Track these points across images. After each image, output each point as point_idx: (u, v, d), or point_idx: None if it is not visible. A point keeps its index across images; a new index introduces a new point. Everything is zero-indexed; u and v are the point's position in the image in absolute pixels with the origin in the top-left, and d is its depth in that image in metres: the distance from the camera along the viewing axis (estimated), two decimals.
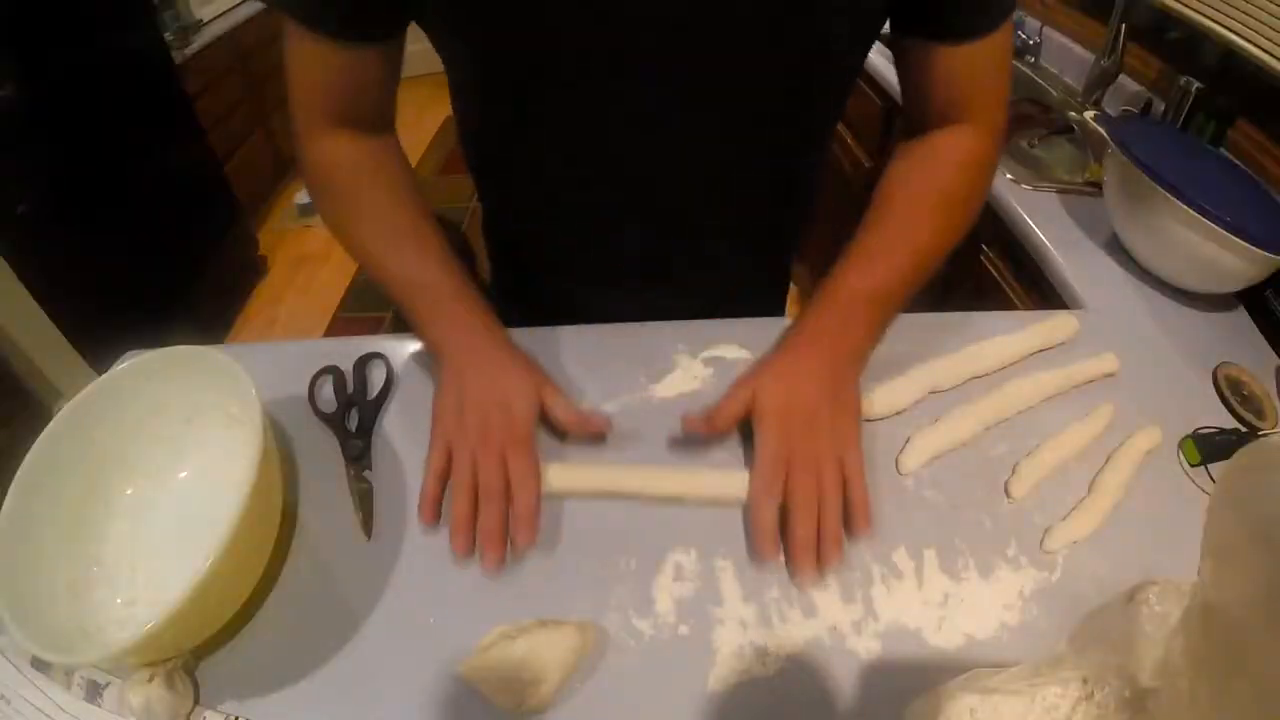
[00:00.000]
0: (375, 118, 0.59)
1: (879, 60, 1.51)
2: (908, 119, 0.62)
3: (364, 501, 0.53)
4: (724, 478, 0.53)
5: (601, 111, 0.56)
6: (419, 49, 0.59)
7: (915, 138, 0.61)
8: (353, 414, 0.60)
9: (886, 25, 0.57)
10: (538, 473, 0.51)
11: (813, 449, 0.50)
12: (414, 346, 0.67)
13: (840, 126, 1.79)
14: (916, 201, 0.59)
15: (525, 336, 0.66)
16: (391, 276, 0.58)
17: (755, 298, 0.82)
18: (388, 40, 0.54)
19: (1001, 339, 0.64)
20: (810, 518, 0.48)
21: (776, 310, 0.87)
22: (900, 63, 0.59)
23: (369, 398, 0.61)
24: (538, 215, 0.69)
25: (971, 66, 0.56)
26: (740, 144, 0.60)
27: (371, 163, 0.59)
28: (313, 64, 0.54)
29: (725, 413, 0.53)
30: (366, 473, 0.55)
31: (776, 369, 0.54)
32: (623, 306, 0.68)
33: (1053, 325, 0.66)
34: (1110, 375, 0.63)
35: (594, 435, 0.56)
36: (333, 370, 0.62)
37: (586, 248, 0.70)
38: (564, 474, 0.54)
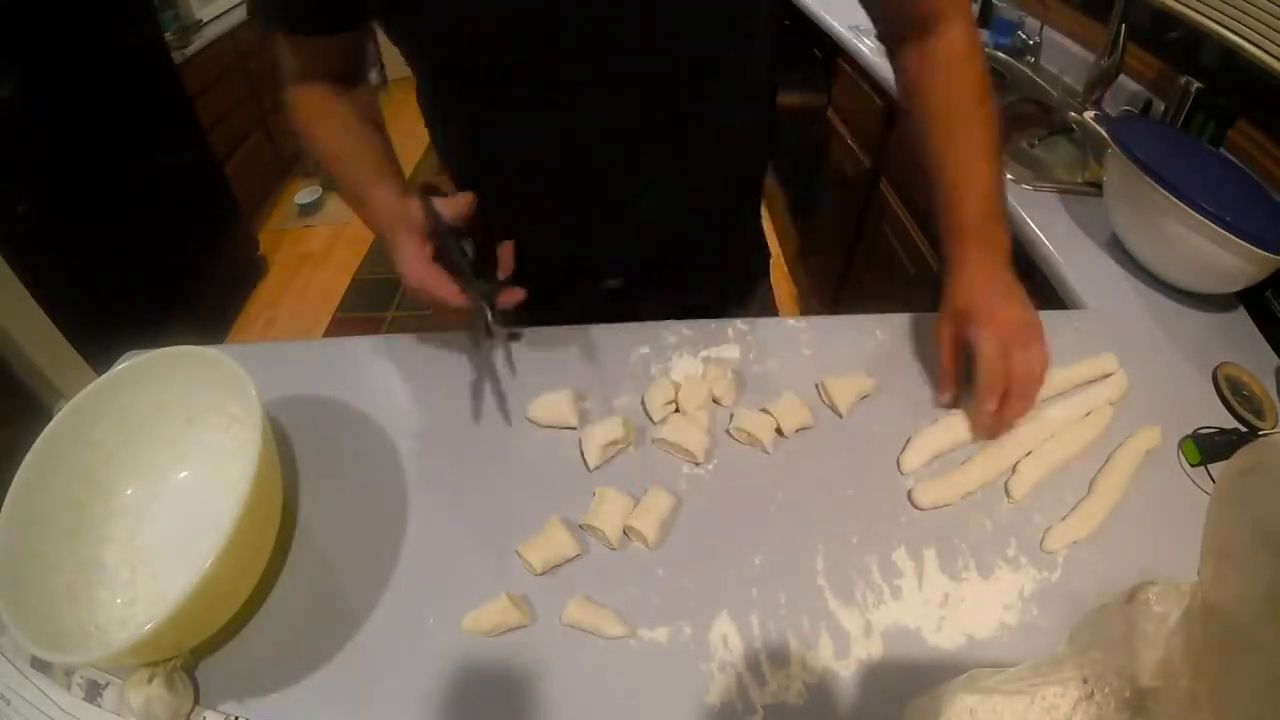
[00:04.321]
0: (335, 79, 0.68)
1: (880, 60, 1.51)
2: (880, 27, 0.68)
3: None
4: None
5: (530, 83, 0.59)
6: None
7: (908, 45, 0.66)
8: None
9: None
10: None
11: (1027, 354, 0.57)
12: (412, 346, 0.68)
13: (841, 126, 1.79)
14: (963, 105, 0.65)
15: (533, 334, 0.67)
16: (336, 172, 0.67)
17: (725, 260, 0.82)
18: (341, 34, 0.64)
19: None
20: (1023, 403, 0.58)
21: (756, 274, 0.88)
22: None
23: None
24: (490, 188, 0.69)
25: None
26: (660, 90, 0.61)
27: (333, 105, 0.69)
28: (286, 42, 0.65)
29: (945, 356, 0.61)
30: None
31: (977, 297, 0.60)
32: (590, 289, 0.71)
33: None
34: (1109, 375, 0.63)
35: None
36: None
37: (537, 221, 0.70)
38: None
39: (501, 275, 0.61)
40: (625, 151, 0.63)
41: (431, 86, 0.68)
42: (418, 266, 0.57)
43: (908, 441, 0.57)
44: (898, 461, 0.56)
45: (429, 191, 0.60)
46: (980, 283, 0.60)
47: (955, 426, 0.58)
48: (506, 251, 0.62)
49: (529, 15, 0.54)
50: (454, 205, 0.60)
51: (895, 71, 0.69)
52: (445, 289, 0.56)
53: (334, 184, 0.68)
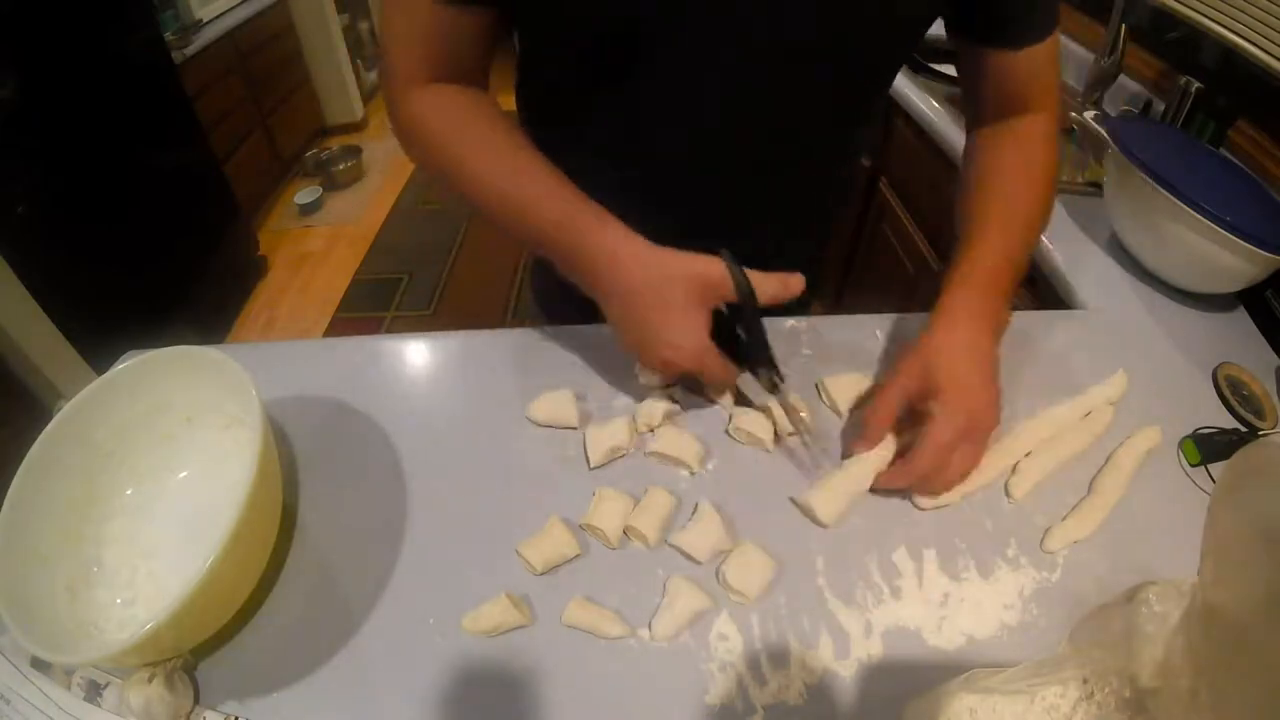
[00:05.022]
0: (471, 79, 0.59)
1: None
2: (973, 111, 0.69)
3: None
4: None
5: (684, 85, 0.57)
6: None
7: (989, 125, 0.67)
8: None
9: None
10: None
11: (970, 451, 0.52)
12: (412, 346, 0.68)
13: None
14: (1017, 178, 0.63)
15: (533, 334, 0.67)
16: (517, 211, 0.55)
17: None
18: (490, 6, 0.54)
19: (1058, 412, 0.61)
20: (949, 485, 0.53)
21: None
22: (964, 64, 0.66)
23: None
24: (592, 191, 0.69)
25: (1032, 66, 0.62)
26: (797, 141, 0.63)
27: (476, 105, 0.58)
28: (417, 18, 0.55)
29: (884, 412, 0.54)
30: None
31: (957, 366, 0.53)
32: None
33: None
34: (1115, 402, 0.62)
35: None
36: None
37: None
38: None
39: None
40: (747, 165, 0.64)
41: (558, 79, 0.62)
42: (700, 344, 0.51)
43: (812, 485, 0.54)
44: (808, 504, 0.53)
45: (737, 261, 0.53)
46: (963, 352, 0.53)
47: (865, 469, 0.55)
48: (796, 282, 0.55)
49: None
50: (775, 284, 0.53)
51: (966, 144, 0.70)
52: (729, 371, 0.54)
53: (497, 216, 0.56)
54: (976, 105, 0.68)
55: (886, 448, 0.55)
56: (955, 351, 0.53)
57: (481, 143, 0.56)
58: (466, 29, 0.55)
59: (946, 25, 0.63)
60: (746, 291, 0.51)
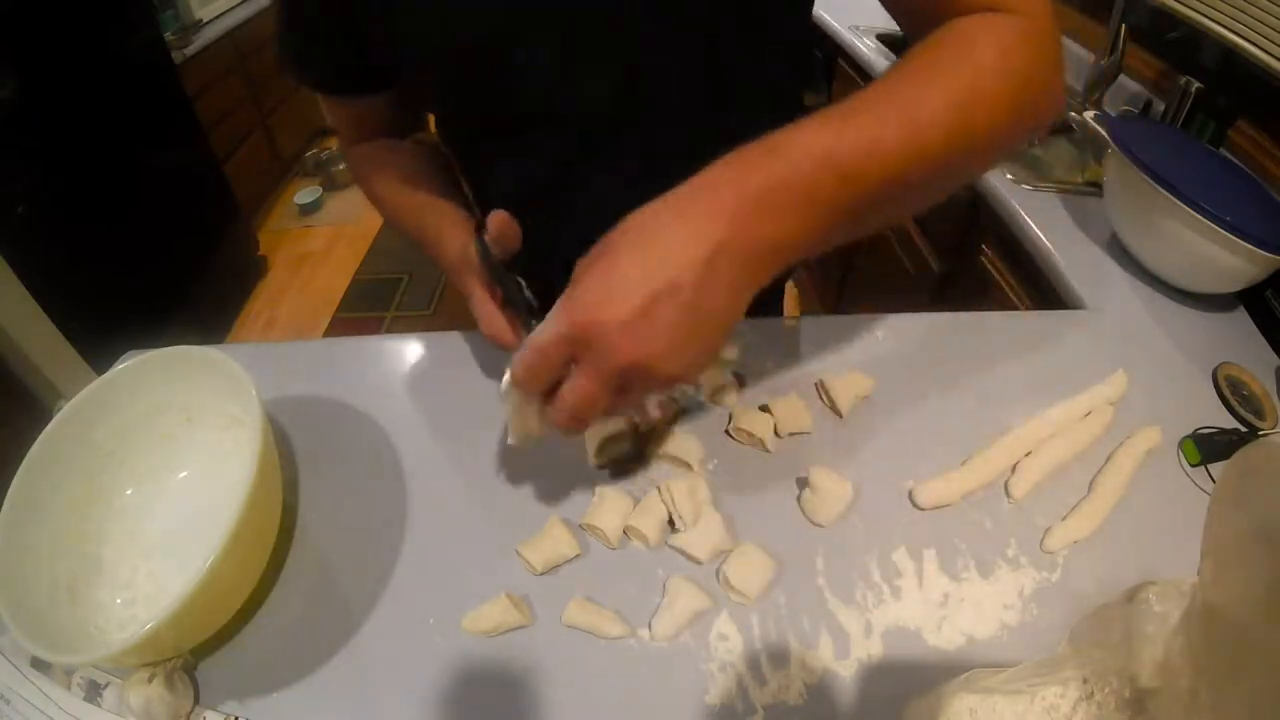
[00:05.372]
0: (394, 133, 0.69)
1: (879, 59, 1.51)
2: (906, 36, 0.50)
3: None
4: None
5: (552, 116, 0.57)
6: None
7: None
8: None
9: None
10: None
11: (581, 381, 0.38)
12: (412, 346, 0.68)
13: None
14: (923, 65, 0.41)
15: None
16: (407, 229, 0.64)
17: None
18: (369, 97, 0.63)
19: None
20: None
21: (774, 308, 0.87)
22: None
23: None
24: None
25: None
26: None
27: (386, 160, 0.67)
28: (326, 103, 0.66)
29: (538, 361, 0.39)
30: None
31: (630, 230, 0.38)
32: None
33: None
34: (1115, 402, 0.62)
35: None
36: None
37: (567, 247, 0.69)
38: None
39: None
40: (646, 180, 0.61)
41: (452, 131, 0.68)
42: (488, 316, 0.51)
43: None
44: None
45: (482, 228, 0.53)
46: (644, 233, 0.37)
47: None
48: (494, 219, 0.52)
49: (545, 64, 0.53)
50: (499, 238, 0.50)
51: None
52: (511, 336, 0.49)
53: (409, 240, 0.64)
54: (912, 31, 0.49)
55: None
56: (632, 232, 0.37)
57: (389, 191, 0.65)
58: (360, 109, 0.65)
59: None
60: (485, 254, 0.51)
